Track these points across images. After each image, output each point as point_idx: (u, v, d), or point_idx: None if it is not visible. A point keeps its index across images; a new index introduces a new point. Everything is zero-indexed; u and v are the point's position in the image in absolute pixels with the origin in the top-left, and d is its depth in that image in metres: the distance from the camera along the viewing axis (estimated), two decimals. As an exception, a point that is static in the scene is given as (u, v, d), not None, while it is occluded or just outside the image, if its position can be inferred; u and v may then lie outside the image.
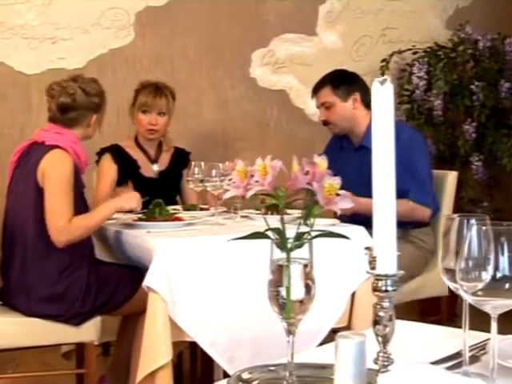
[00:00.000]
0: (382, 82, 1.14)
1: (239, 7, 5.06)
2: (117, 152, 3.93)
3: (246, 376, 1.31)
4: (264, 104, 5.13)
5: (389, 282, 1.10)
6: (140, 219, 3.31)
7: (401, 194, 3.61)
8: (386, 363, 1.20)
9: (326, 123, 3.91)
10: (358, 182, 3.84)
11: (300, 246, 1.28)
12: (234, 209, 3.53)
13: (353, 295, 3.32)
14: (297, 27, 5.14)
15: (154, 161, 4.01)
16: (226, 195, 1.30)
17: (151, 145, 4.03)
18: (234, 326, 3.00)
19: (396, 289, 1.11)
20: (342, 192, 1.20)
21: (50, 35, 4.78)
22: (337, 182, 1.19)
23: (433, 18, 5.36)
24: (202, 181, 3.47)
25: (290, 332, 1.28)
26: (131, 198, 3.21)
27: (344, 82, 3.87)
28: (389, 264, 1.10)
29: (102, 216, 3.13)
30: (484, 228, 1.27)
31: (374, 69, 4.98)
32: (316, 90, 3.92)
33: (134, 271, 3.12)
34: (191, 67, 5.02)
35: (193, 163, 3.52)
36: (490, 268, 1.24)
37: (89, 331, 3.06)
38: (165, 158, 4.02)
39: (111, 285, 3.11)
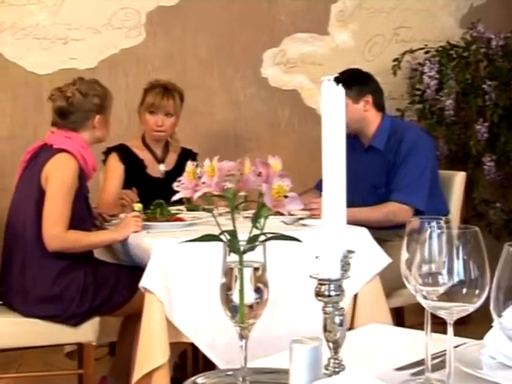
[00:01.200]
0: (330, 81, 1.11)
1: (251, 7, 5.04)
2: (123, 152, 3.94)
3: (201, 381, 1.30)
4: (275, 104, 5.10)
5: (332, 286, 1.08)
6: (144, 219, 3.30)
7: (391, 192, 3.61)
8: (337, 369, 1.18)
9: None
10: (366, 182, 3.84)
11: (252, 249, 1.25)
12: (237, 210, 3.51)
13: (355, 297, 3.29)
14: (309, 26, 5.11)
15: (160, 161, 4.00)
16: (175, 197, 1.28)
17: (158, 145, 4.03)
18: (232, 327, 2.98)
19: (340, 294, 1.08)
20: (290, 194, 1.17)
21: (61, 36, 4.79)
22: (286, 183, 1.16)
23: (446, 17, 5.29)
24: (204, 181, 3.45)
25: (242, 336, 1.26)
26: (127, 227, 3.15)
27: (357, 83, 3.82)
28: (332, 268, 1.08)
29: (98, 240, 3.17)
30: (438, 231, 1.25)
31: (387, 68, 4.93)
32: None
33: (134, 272, 3.11)
34: (202, 67, 5.01)
35: (194, 163, 3.50)
36: (445, 272, 1.22)
37: (87, 332, 3.07)
38: (172, 158, 4.02)
39: (109, 286, 3.11)
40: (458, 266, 1.21)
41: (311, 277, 1.10)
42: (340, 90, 1.13)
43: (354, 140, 3.94)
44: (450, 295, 1.21)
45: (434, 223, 1.29)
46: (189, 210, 3.65)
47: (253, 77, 5.07)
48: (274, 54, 5.09)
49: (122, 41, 4.89)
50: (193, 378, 1.32)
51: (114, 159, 3.91)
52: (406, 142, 3.73)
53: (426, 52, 4.87)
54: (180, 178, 1.25)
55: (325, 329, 1.17)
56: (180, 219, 3.33)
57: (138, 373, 2.85)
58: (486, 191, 4.81)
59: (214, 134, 5.01)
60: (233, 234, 1.26)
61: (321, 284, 1.07)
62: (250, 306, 1.22)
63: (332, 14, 5.16)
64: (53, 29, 4.78)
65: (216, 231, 3.51)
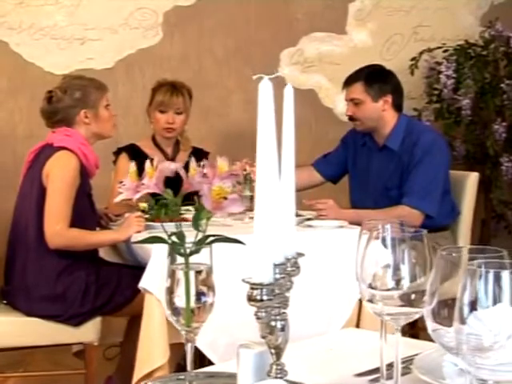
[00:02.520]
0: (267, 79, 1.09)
1: (268, 6, 5.01)
2: (133, 151, 3.94)
3: (151, 385, 1.28)
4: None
5: (264, 291, 1.06)
6: (146, 219, 3.30)
7: (402, 195, 3.55)
8: (279, 375, 1.15)
9: (351, 119, 3.83)
10: (378, 183, 3.79)
11: (197, 252, 1.24)
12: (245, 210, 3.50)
13: (361, 299, 3.25)
14: (326, 26, 5.07)
15: (171, 160, 3.99)
16: (117, 198, 1.27)
17: (168, 144, 4.03)
18: (233, 328, 2.96)
19: (272, 298, 1.06)
20: (231, 196, 1.15)
21: (78, 36, 4.81)
22: (227, 185, 1.14)
23: (467, 16, 5.21)
24: (210, 181, 3.44)
25: (187, 340, 1.24)
26: (129, 227, 3.14)
27: (378, 81, 3.77)
28: (265, 272, 1.06)
29: (100, 239, 3.17)
30: (386, 234, 1.23)
31: (405, 68, 4.86)
32: (348, 83, 3.82)
33: (137, 272, 3.10)
34: (219, 67, 4.99)
35: (202, 164, 3.50)
36: (391, 277, 1.19)
37: (88, 332, 3.07)
38: (182, 157, 4.00)
39: (111, 286, 3.11)
40: (405, 270, 1.18)
41: (243, 281, 1.07)
42: (267, 85, 1.10)
43: (368, 138, 3.90)
44: (397, 300, 1.18)
45: (386, 226, 1.27)
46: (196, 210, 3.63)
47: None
48: (291, 54, 5.06)
49: (138, 41, 4.89)
50: (144, 382, 1.31)
51: (123, 159, 3.91)
52: (420, 144, 3.66)
53: (445, 51, 4.80)
54: (123, 180, 1.23)
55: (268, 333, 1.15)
56: (184, 219, 3.31)
57: (137, 373, 2.85)
58: (505, 192, 4.72)
59: (230, 134, 5.00)
60: (181, 236, 1.24)
61: (253, 288, 1.05)
62: (192, 310, 1.20)
63: (350, 12, 5.11)
64: (70, 29, 4.80)
65: (221, 231, 3.50)
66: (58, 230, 2.98)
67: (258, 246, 1.05)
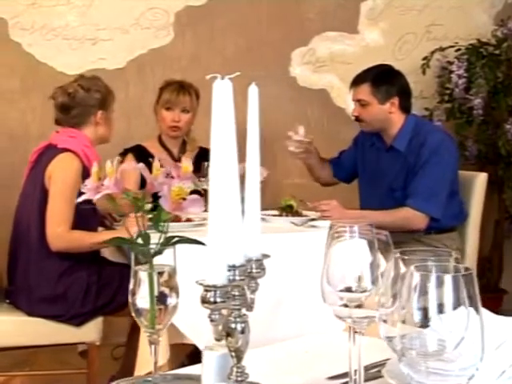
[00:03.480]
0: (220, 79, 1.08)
1: (279, 5, 4.99)
2: (139, 152, 3.94)
3: (117, 386, 1.28)
4: (304, 104, 5.05)
5: (218, 293, 1.04)
6: (150, 219, 3.29)
7: (407, 197, 3.51)
8: (239, 378, 1.14)
9: (358, 119, 3.80)
10: (385, 184, 3.76)
11: (160, 253, 1.23)
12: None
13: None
14: (338, 25, 5.04)
15: (177, 160, 3.99)
16: (79, 199, 1.26)
17: (175, 144, 4.02)
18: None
19: (225, 300, 1.05)
20: (191, 196, 1.14)
21: (90, 36, 4.83)
22: (187, 185, 1.13)
23: (480, 14, 5.15)
24: (213, 181, 3.43)
25: (151, 342, 1.23)
26: (131, 228, 3.14)
27: (385, 83, 3.72)
28: (218, 274, 1.05)
29: (101, 240, 3.15)
30: (350, 236, 1.21)
31: (417, 67, 4.83)
32: (355, 83, 3.78)
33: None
34: (230, 67, 4.97)
35: (205, 164, 3.50)
36: (353, 279, 1.17)
37: (90, 332, 3.08)
38: (188, 158, 3.99)
39: (113, 286, 3.11)
40: (368, 273, 1.17)
41: (197, 283, 1.06)
42: (227, 84, 1.09)
43: (376, 138, 3.87)
44: (359, 303, 1.17)
45: (354, 228, 1.26)
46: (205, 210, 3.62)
47: (281, 76, 5.03)
48: (303, 53, 5.04)
49: (150, 41, 4.90)
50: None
51: (129, 160, 3.91)
52: (427, 145, 3.61)
53: (457, 50, 4.75)
54: (87, 180, 1.23)
55: (227, 336, 1.13)
56: (188, 219, 3.31)
57: (138, 373, 2.85)
58: (516, 193, 4.67)
59: (240, 135, 4.96)
60: (145, 237, 1.24)
61: (206, 290, 1.04)
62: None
63: (362, 12, 5.08)
64: (82, 29, 4.82)
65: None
66: (59, 232, 2.99)
67: (211, 248, 1.04)
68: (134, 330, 3.39)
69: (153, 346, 1.23)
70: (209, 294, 1.03)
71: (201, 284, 1.04)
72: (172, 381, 1.27)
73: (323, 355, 1.53)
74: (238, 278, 1.12)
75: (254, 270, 1.22)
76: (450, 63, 4.68)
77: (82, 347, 3.44)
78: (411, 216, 3.52)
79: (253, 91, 1.20)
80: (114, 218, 3.48)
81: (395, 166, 3.73)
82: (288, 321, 3.06)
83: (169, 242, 1.21)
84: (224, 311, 1.06)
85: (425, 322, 0.91)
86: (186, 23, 4.92)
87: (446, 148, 3.64)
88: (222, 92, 1.07)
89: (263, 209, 3.67)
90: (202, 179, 3.48)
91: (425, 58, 4.80)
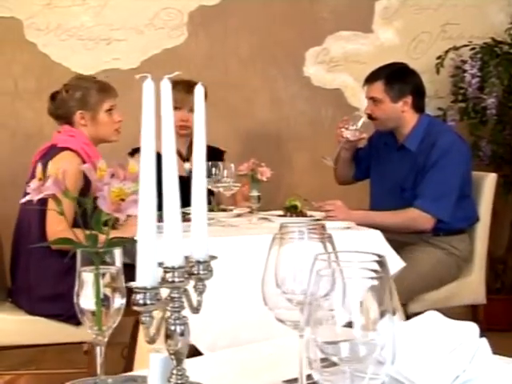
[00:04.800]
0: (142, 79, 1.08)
1: (293, 5, 4.98)
2: (148, 152, 3.94)
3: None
4: (318, 103, 5.03)
5: (148, 295, 1.04)
6: (154, 220, 3.30)
7: (416, 197, 3.48)
8: (179, 381, 1.13)
9: (370, 117, 3.77)
10: (395, 183, 3.73)
11: (109, 253, 1.22)
12: (251, 210, 3.49)
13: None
14: (352, 24, 5.01)
15: (185, 159, 4.00)
16: (23, 200, 1.26)
17: (183, 143, 4.02)
18: (233, 330, 2.95)
19: (155, 303, 1.04)
20: (129, 198, 1.13)
21: (104, 36, 4.85)
22: (127, 186, 1.12)
23: (497, 13, 5.08)
24: (218, 181, 3.44)
25: (96, 343, 1.23)
26: (131, 227, 3.15)
27: (399, 81, 3.69)
28: (148, 276, 1.04)
29: (102, 240, 3.15)
30: (296, 239, 1.20)
31: (432, 66, 4.79)
32: (369, 81, 3.75)
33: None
34: (244, 66, 4.98)
35: (209, 163, 3.49)
36: (295, 282, 1.16)
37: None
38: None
39: (113, 285, 3.11)
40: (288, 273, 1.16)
41: (127, 287, 1.06)
42: (167, 87, 1.08)
43: (389, 137, 3.84)
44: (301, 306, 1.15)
45: (302, 230, 1.24)
46: (208, 210, 3.61)
47: (295, 76, 5.01)
48: (317, 53, 5.02)
49: (164, 41, 4.91)
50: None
51: (137, 160, 3.92)
52: (438, 146, 3.57)
53: (472, 49, 4.70)
54: (32, 181, 1.23)
55: (167, 338, 1.13)
56: (189, 220, 3.31)
57: (135, 370, 2.86)
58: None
59: (255, 134, 4.98)
60: (93, 237, 1.23)
61: (136, 292, 1.03)
62: (93, 313, 1.19)
63: (376, 11, 5.04)
64: (96, 29, 4.84)
65: (224, 232, 3.50)
66: (59, 230, 2.99)
67: (140, 250, 1.04)
68: (135, 330, 3.40)
69: (97, 348, 1.23)
70: (138, 297, 1.03)
71: (129, 286, 1.04)
72: (116, 383, 1.27)
73: (286, 358, 1.51)
74: (177, 279, 1.12)
75: (201, 272, 1.21)
76: (464, 62, 4.63)
77: (87, 346, 3.46)
78: (417, 217, 3.49)
79: (199, 91, 1.19)
80: (117, 218, 3.48)
81: (405, 165, 3.70)
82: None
83: (110, 244, 1.20)
84: (155, 313, 1.06)
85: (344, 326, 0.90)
86: (199, 23, 4.93)
87: (457, 150, 3.59)
88: (149, 92, 1.05)
89: (274, 209, 3.65)
90: (207, 179, 3.48)
91: (439, 58, 4.75)
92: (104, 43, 4.86)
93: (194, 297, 1.22)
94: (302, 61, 5.02)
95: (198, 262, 1.21)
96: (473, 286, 3.70)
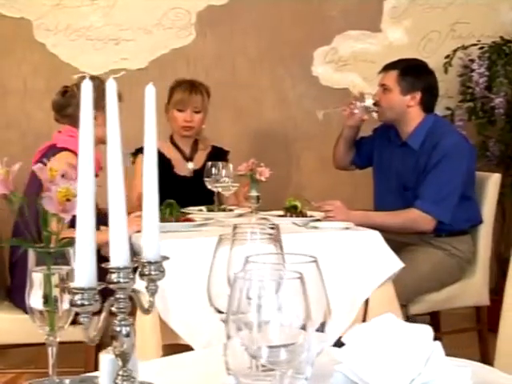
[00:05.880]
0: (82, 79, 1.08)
1: (301, 4, 4.97)
2: (151, 152, 3.94)
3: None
4: (327, 103, 4.99)
5: (86, 295, 1.04)
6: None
7: (417, 198, 3.45)
8: (125, 382, 1.13)
9: (376, 104, 3.76)
10: (398, 181, 3.70)
11: (60, 253, 1.22)
12: (251, 210, 3.49)
13: (366, 302, 3.19)
14: (361, 23, 4.98)
15: (189, 159, 4.00)
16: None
17: (186, 143, 4.02)
18: (229, 329, 2.94)
19: (92, 304, 1.04)
20: (75, 198, 1.13)
21: (113, 36, 4.87)
22: (74, 186, 1.12)
23: (508, 11, 5.02)
24: (217, 181, 3.43)
25: (48, 344, 1.23)
26: (128, 227, 3.14)
27: (413, 75, 3.66)
28: (86, 277, 1.04)
29: (98, 239, 3.14)
30: (247, 241, 1.19)
31: (442, 66, 4.75)
32: (385, 69, 3.74)
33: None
34: (252, 66, 4.98)
35: (209, 163, 3.49)
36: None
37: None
38: (201, 157, 3.99)
39: (111, 285, 3.12)
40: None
41: (69, 291, 1.05)
42: (113, 86, 1.07)
43: (392, 132, 3.81)
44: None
45: (254, 231, 1.24)
46: (209, 210, 3.61)
47: (303, 76, 5.00)
48: (325, 52, 5.00)
49: (172, 41, 4.92)
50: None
51: (140, 160, 3.93)
52: (440, 147, 3.53)
53: (480, 48, 4.65)
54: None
55: (112, 339, 1.13)
56: (189, 219, 3.31)
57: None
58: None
59: (263, 134, 4.98)
60: (46, 238, 1.23)
61: (74, 293, 1.03)
62: (41, 312, 1.19)
63: (385, 10, 5.02)
64: (105, 30, 4.86)
65: (222, 231, 3.50)
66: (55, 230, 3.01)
67: (78, 251, 1.03)
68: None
69: (49, 348, 1.23)
70: (76, 297, 1.03)
71: (65, 287, 1.04)
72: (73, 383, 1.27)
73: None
74: (122, 280, 1.12)
75: (152, 273, 1.21)
76: (472, 61, 4.59)
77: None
78: (418, 218, 3.46)
79: (149, 91, 1.18)
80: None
81: (408, 164, 3.67)
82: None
83: (62, 244, 1.20)
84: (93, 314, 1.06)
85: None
86: (207, 23, 4.93)
87: (460, 151, 3.55)
88: (88, 92, 1.05)
89: (275, 209, 3.62)
90: (207, 179, 3.49)
91: (447, 57, 4.71)
92: (112, 43, 4.88)
93: (146, 298, 1.22)
94: (311, 60, 5.01)
95: (150, 263, 1.21)
96: (476, 288, 3.67)
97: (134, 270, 1.16)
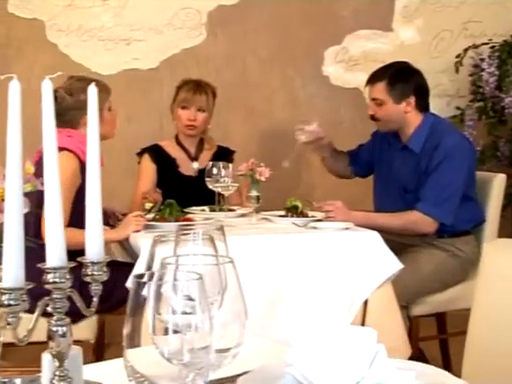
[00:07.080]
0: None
1: (312, 4, 4.95)
2: (156, 152, 3.96)
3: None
4: (337, 103, 4.99)
5: (13, 295, 1.04)
6: (153, 219, 3.31)
7: (418, 200, 3.41)
8: (61, 382, 1.13)
9: (373, 118, 3.73)
10: (399, 184, 3.67)
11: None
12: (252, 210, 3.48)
13: (365, 303, 3.17)
14: (372, 23, 4.96)
15: (194, 159, 4.00)
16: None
17: (191, 142, 4.02)
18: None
19: (19, 303, 1.04)
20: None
21: (124, 37, 4.90)
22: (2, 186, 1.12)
23: (521, 10, 5.00)
24: (217, 181, 3.43)
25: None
26: (126, 227, 3.17)
27: (401, 82, 3.60)
28: (13, 277, 1.04)
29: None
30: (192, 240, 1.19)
31: (453, 65, 4.71)
32: (371, 82, 3.68)
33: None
34: (263, 66, 4.97)
35: (210, 163, 3.49)
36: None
37: (84, 330, 3.09)
38: (206, 156, 3.98)
39: (108, 284, 3.12)
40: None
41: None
42: (48, 87, 1.07)
43: (392, 136, 3.78)
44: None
45: (198, 231, 1.23)
46: (211, 210, 3.61)
47: (314, 75, 4.99)
48: (336, 52, 4.98)
49: (183, 41, 4.93)
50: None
51: (146, 160, 3.94)
52: (441, 147, 3.48)
53: (492, 47, 4.60)
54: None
55: (49, 339, 1.13)
56: (189, 219, 3.31)
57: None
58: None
59: (273, 134, 4.97)
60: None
61: (2, 293, 1.03)
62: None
63: (396, 9, 4.98)
64: (116, 30, 4.89)
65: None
66: None
67: (6, 252, 1.04)
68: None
69: (-6, 347, 1.23)
70: (4, 297, 1.03)
71: (-5, 287, 1.04)
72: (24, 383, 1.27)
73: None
74: (58, 280, 1.12)
75: (95, 273, 1.21)
76: (483, 61, 4.55)
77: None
78: (419, 220, 3.43)
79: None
80: (117, 217, 3.51)
81: (409, 166, 3.63)
82: (285, 321, 3.03)
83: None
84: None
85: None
86: (218, 23, 4.93)
87: (461, 151, 3.51)
88: (15, 93, 1.05)
89: (269, 210, 3.61)
90: (208, 179, 3.48)
91: (458, 56, 4.67)
92: (124, 43, 4.90)
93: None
94: (321, 60, 4.99)
95: (93, 263, 1.21)
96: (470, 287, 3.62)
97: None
